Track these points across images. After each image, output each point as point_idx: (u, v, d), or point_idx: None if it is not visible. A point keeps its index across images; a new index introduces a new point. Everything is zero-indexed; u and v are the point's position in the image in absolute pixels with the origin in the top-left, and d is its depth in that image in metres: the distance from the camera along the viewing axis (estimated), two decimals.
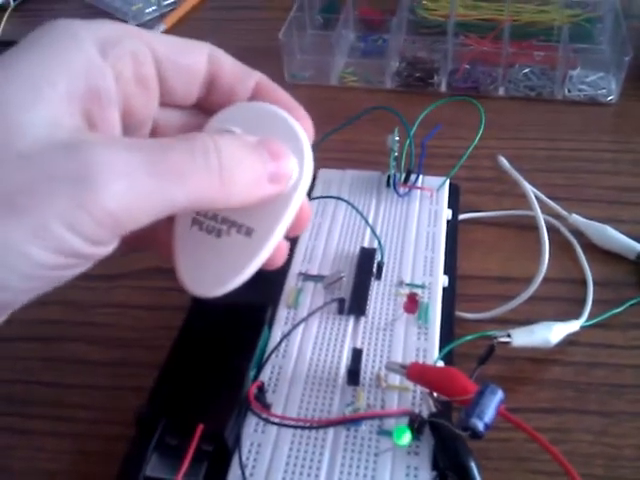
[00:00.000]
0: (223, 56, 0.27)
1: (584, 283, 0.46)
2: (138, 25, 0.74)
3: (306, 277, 0.42)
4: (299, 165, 0.26)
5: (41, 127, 0.21)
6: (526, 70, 0.65)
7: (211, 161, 0.22)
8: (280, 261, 0.28)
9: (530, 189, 0.46)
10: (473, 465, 0.30)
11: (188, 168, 0.22)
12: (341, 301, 0.40)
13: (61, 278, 0.22)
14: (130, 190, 0.20)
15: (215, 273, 0.26)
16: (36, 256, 0.20)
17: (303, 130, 0.26)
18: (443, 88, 0.65)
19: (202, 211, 0.27)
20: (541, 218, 0.43)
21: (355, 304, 0.40)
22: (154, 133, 0.27)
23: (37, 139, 0.20)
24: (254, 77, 0.28)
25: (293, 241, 0.44)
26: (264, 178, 0.24)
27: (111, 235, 0.21)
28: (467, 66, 0.65)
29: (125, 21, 0.75)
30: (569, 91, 0.63)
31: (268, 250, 0.26)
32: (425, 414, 0.34)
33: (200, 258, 0.27)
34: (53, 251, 0.20)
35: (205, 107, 0.28)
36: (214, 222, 0.26)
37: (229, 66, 0.27)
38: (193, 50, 0.26)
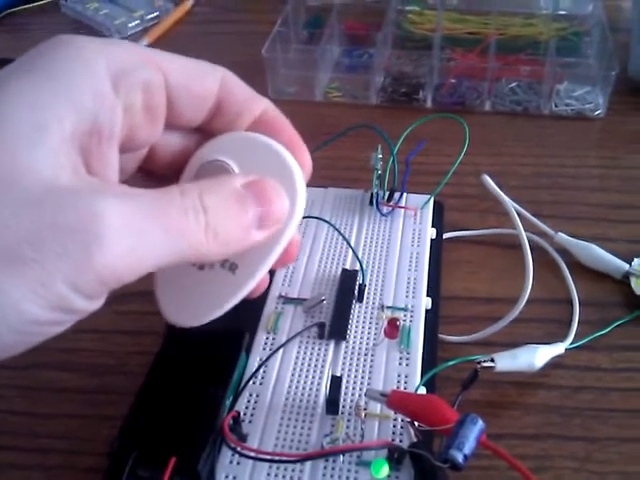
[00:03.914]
0: (234, 81, 0.26)
1: (570, 303, 0.45)
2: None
3: (286, 300, 0.41)
4: (290, 202, 0.25)
5: (45, 168, 0.20)
6: (512, 84, 0.64)
7: (200, 220, 0.22)
8: (259, 292, 0.27)
9: (514, 208, 0.45)
10: None
11: (184, 226, 0.21)
12: (321, 325, 0.39)
13: (49, 333, 0.21)
14: (135, 248, 0.20)
15: (194, 305, 0.26)
16: (31, 313, 0.19)
17: (297, 165, 0.25)
18: (429, 103, 0.64)
19: None
20: (525, 238, 0.42)
21: (336, 328, 0.39)
22: (151, 154, 0.26)
23: (41, 181, 0.19)
24: (261, 105, 0.27)
25: None
26: (252, 227, 0.24)
27: (107, 290, 0.21)
28: (453, 81, 0.65)
29: (108, 35, 0.75)
30: (556, 106, 0.62)
31: (249, 288, 0.26)
32: (405, 444, 0.33)
33: (181, 288, 0.26)
34: (49, 308, 0.19)
35: (206, 130, 0.27)
36: None
37: (239, 92, 0.26)
38: (206, 76, 0.25)
